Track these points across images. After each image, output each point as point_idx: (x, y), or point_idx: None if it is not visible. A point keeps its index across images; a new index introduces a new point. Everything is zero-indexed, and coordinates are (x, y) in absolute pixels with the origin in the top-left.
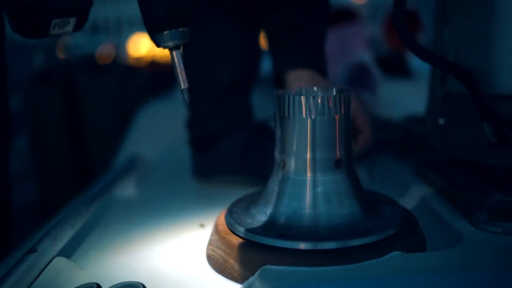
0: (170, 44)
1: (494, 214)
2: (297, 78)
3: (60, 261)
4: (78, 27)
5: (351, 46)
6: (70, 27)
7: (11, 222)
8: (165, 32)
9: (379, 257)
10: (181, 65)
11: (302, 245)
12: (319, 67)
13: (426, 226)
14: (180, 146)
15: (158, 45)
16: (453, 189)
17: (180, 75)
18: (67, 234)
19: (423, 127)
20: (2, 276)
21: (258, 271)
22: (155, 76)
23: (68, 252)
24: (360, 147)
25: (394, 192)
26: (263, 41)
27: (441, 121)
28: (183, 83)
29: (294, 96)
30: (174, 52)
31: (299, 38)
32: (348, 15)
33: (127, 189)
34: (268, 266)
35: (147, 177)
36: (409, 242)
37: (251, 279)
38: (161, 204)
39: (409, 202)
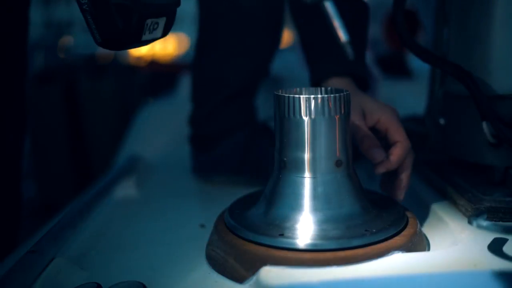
0: None
1: (493, 214)
2: None
3: (61, 261)
4: (166, 30)
5: None
6: (159, 31)
7: (20, 220)
8: None
9: (379, 257)
10: (337, 16)
11: (302, 245)
12: (358, 75)
13: (426, 226)
14: (180, 146)
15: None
16: (453, 189)
17: (338, 27)
18: (67, 234)
19: (423, 127)
20: (3, 276)
21: (258, 271)
22: (155, 76)
23: (68, 252)
24: (394, 163)
25: None
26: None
27: (441, 121)
28: (343, 35)
29: (294, 96)
30: (326, 4)
31: (335, 41)
32: None
33: (127, 189)
34: (268, 266)
35: (147, 177)
36: (409, 242)
37: (251, 279)
38: (161, 204)
39: (409, 202)
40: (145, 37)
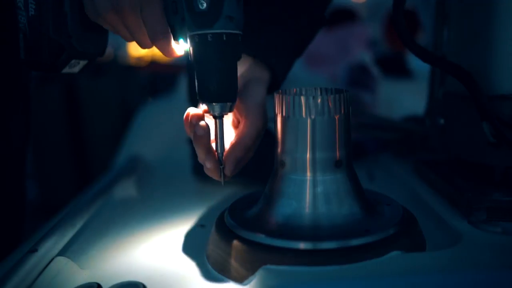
0: (217, 113)
1: (493, 214)
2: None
3: (61, 260)
4: (83, 68)
5: (351, 46)
6: (77, 69)
7: (24, 220)
8: (215, 104)
9: (379, 257)
10: (223, 133)
11: (302, 245)
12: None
13: (425, 226)
14: (180, 146)
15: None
16: (452, 189)
17: (219, 142)
18: (67, 234)
19: (423, 127)
20: (3, 276)
21: (258, 271)
22: (155, 76)
23: (68, 251)
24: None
25: (394, 192)
26: None
27: (441, 121)
28: (220, 149)
29: (294, 96)
30: (218, 121)
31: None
32: (348, 15)
33: (127, 189)
34: (268, 266)
35: (147, 177)
36: (409, 242)
37: (251, 279)
38: (161, 204)
39: (409, 202)
40: (64, 70)
